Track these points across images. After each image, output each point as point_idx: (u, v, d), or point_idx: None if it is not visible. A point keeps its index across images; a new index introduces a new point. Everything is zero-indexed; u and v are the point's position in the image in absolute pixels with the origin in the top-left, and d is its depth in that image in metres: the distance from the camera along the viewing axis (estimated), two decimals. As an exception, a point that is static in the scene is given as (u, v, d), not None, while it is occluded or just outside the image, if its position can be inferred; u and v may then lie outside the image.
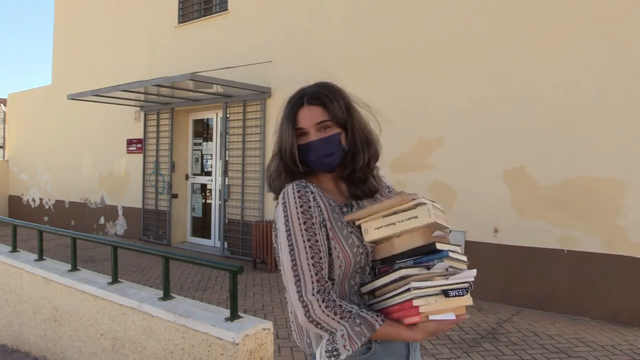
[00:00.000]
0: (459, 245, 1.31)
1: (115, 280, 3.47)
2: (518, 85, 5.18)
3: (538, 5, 5.12)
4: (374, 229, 1.28)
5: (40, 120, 11.94)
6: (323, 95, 1.37)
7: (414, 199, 1.24)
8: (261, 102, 7.42)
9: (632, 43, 4.61)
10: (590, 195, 4.79)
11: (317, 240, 1.25)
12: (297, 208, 1.26)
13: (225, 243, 7.87)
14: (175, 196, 8.83)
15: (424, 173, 5.79)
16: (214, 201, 8.57)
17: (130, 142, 9.58)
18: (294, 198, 1.26)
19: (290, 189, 1.29)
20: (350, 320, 1.19)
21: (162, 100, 8.64)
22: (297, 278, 1.22)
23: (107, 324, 3.32)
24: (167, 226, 8.78)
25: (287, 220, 1.26)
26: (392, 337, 1.24)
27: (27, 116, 12.46)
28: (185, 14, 8.81)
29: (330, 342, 1.21)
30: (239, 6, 7.91)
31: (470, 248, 5.40)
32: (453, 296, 1.16)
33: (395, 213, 1.25)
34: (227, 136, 7.92)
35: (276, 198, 1.37)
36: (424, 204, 1.23)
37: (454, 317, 1.19)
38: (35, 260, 4.19)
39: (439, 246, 1.22)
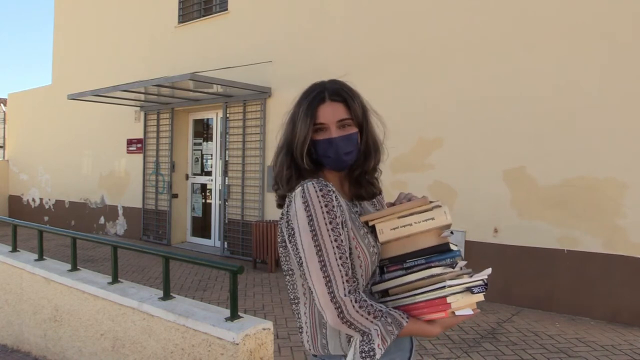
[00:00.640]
0: (456, 245, 1.33)
1: (115, 280, 3.47)
2: (518, 85, 5.18)
3: (538, 5, 5.12)
4: (389, 230, 1.29)
5: (40, 120, 11.94)
6: (344, 92, 1.37)
7: (432, 202, 1.30)
8: (261, 102, 7.42)
9: (632, 43, 4.61)
10: (590, 195, 4.79)
11: (342, 240, 1.24)
12: (322, 207, 1.23)
13: (225, 243, 7.88)
14: (175, 196, 8.83)
15: (424, 173, 5.79)
16: (214, 201, 8.57)
17: (130, 142, 9.58)
18: (317, 197, 1.23)
19: (311, 187, 1.25)
20: (382, 319, 1.19)
21: (162, 100, 8.65)
22: (327, 279, 1.20)
23: (107, 324, 3.32)
24: (167, 226, 8.78)
25: (311, 220, 1.23)
26: (414, 333, 1.25)
27: (27, 116, 12.47)
28: (185, 14, 8.81)
29: (366, 343, 1.20)
30: (239, 6, 7.92)
31: (471, 248, 5.40)
32: (477, 293, 1.21)
33: (411, 214, 1.28)
34: (227, 136, 7.92)
35: (283, 196, 1.34)
36: (440, 206, 1.28)
37: (472, 312, 1.23)
38: (36, 260, 4.19)
39: (452, 246, 1.26)
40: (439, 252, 1.26)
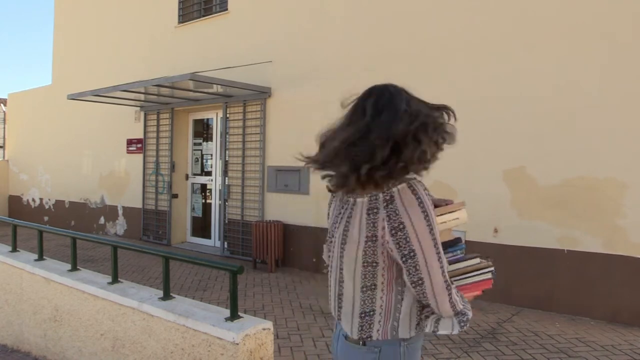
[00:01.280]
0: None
1: (115, 280, 3.47)
2: (518, 85, 5.18)
3: (538, 5, 5.12)
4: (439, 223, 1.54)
5: (40, 120, 11.94)
6: None
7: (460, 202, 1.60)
8: (261, 102, 7.42)
9: (632, 43, 4.61)
10: (590, 195, 4.79)
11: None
12: (431, 206, 1.40)
13: (225, 243, 7.88)
14: (175, 196, 8.83)
15: (424, 173, 5.78)
16: (214, 201, 8.57)
17: (130, 142, 9.58)
18: (427, 197, 1.41)
19: (420, 186, 1.43)
20: (465, 303, 1.49)
21: (162, 100, 8.64)
22: (442, 270, 1.39)
23: (107, 324, 3.32)
24: (167, 226, 8.78)
25: (427, 216, 1.38)
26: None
27: (27, 116, 12.47)
28: (185, 14, 8.81)
29: (464, 322, 1.46)
30: (239, 6, 7.91)
31: (471, 248, 5.35)
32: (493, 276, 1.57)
33: (445, 213, 1.55)
34: (227, 136, 7.92)
35: (363, 187, 1.39)
36: (464, 208, 1.58)
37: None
38: (35, 260, 4.18)
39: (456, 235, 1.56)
40: (452, 244, 1.57)
